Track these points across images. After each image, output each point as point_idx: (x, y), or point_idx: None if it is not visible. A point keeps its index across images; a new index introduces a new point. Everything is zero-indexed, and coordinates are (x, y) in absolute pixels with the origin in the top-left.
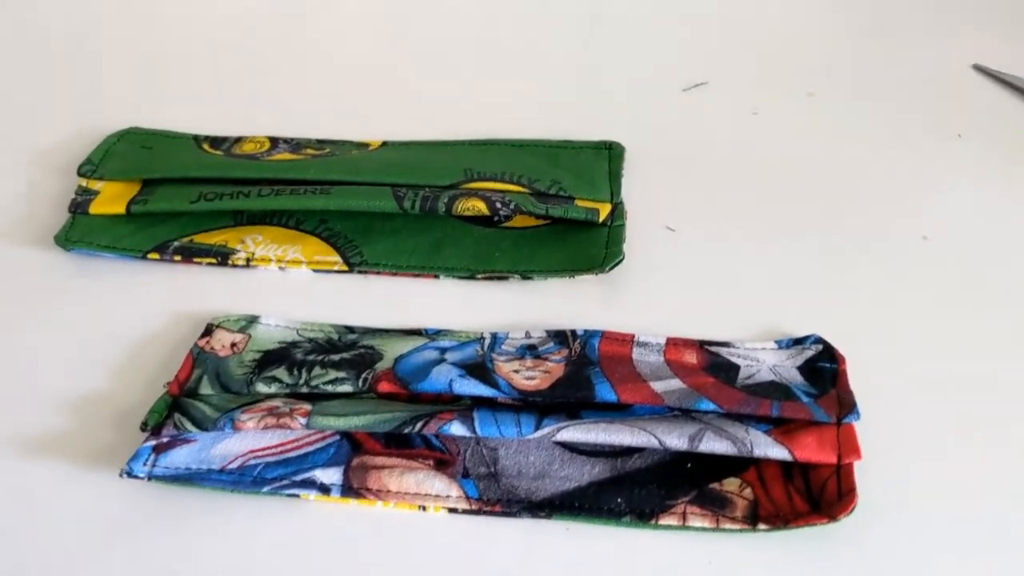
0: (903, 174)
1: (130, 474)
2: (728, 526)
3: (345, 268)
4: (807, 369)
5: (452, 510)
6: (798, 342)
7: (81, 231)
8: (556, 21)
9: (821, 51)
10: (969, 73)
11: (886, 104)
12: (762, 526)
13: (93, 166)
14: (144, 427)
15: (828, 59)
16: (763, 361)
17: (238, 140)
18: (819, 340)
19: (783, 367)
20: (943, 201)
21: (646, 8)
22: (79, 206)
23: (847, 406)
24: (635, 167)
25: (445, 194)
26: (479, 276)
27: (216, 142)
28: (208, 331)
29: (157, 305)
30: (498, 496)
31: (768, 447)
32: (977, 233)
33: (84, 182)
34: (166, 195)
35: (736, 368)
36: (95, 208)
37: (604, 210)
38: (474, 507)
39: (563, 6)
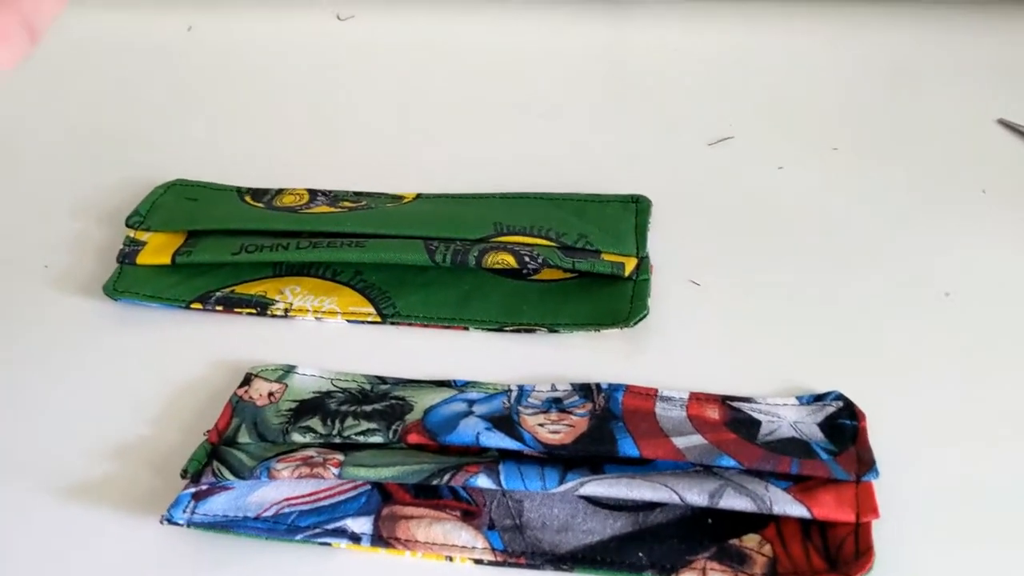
0: (926, 229)
1: (170, 520)
2: None
3: (378, 319)
4: (827, 426)
5: (478, 561)
6: (819, 398)
7: (128, 281)
8: (584, 77)
9: (846, 106)
10: (994, 128)
11: (910, 159)
12: None
13: (140, 217)
14: (184, 474)
15: (852, 114)
16: (784, 417)
17: (279, 192)
18: (840, 397)
19: (804, 423)
20: (966, 257)
21: (672, 64)
22: (127, 256)
23: (866, 464)
24: (661, 221)
25: (475, 248)
26: (507, 328)
27: (257, 194)
28: (247, 380)
29: (199, 354)
30: (522, 548)
31: (787, 505)
32: (1000, 290)
33: (132, 233)
34: (209, 247)
35: (757, 424)
36: (142, 259)
37: (630, 264)
38: (499, 559)
39: (591, 63)
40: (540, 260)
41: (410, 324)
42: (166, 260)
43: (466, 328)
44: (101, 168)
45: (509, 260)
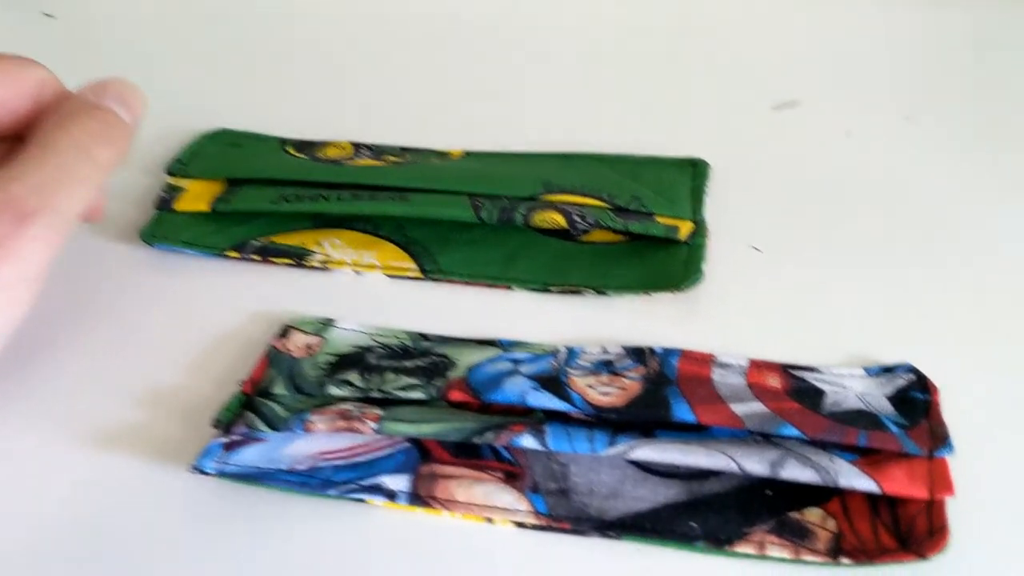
0: (1000, 200)
1: (200, 470)
2: (809, 558)
3: (419, 275)
4: (898, 399)
5: (520, 524)
6: (888, 370)
7: (165, 228)
8: (644, 35)
9: (919, 72)
10: None
11: (984, 128)
12: (845, 560)
13: (182, 164)
14: (217, 424)
15: (926, 81)
16: (850, 388)
17: (322, 145)
18: (911, 369)
19: (872, 395)
20: None
21: (736, 23)
22: (165, 203)
23: (940, 439)
24: (722, 186)
25: (523, 205)
26: (553, 289)
27: (301, 146)
28: (284, 332)
29: (234, 303)
30: (568, 513)
31: (854, 478)
32: None
33: (172, 180)
34: (249, 195)
35: (821, 394)
36: (180, 205)
37: (685, 228)
38: (543, 523)
39: (651, 20)
40: (591, 220)
41: (452, 281)
42: (204, 207)
43: (510, 287)
44: (146, 118)
45: (558, 219)
